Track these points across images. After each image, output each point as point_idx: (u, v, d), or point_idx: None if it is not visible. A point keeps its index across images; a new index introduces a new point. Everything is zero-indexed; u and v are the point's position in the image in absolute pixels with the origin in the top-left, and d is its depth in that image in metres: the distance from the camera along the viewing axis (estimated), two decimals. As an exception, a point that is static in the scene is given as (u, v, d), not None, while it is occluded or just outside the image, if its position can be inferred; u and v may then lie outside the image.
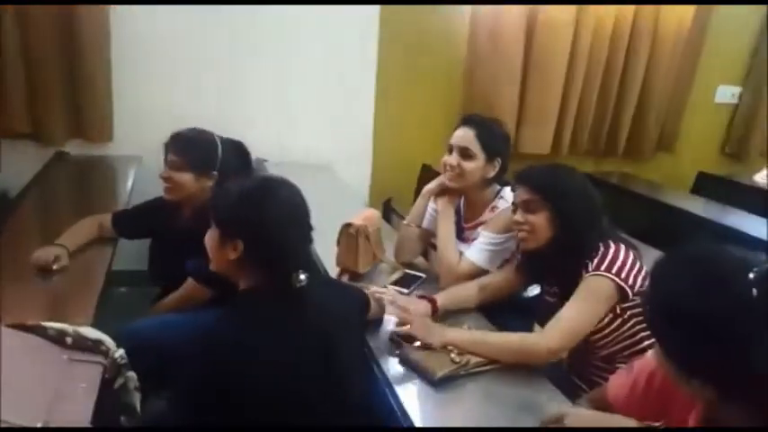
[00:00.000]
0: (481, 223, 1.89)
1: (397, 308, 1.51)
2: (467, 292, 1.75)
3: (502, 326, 1.67)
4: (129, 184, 2.66)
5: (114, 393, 1.34)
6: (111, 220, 1.97)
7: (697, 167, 4.14)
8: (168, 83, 3.05)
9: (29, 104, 2.85)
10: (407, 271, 1.90)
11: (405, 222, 2.03)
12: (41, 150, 2.94)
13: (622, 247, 1.51)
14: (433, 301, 1.63)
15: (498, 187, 1.93)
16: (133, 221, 1.99)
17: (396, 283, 1.80)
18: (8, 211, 2.25)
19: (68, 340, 1.34)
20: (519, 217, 1.59)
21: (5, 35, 2.71)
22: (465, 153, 1.84)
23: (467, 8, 3.48)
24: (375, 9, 3.29)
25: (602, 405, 1.27)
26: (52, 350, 1.30)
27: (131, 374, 1.38)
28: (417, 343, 1.44)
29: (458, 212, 2.00)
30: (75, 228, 1.91)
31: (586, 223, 1.52)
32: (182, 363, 1.19)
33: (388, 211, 3.11)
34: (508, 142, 1.95)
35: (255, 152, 3.17)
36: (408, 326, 1.48)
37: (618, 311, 1.48)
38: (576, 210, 1.53)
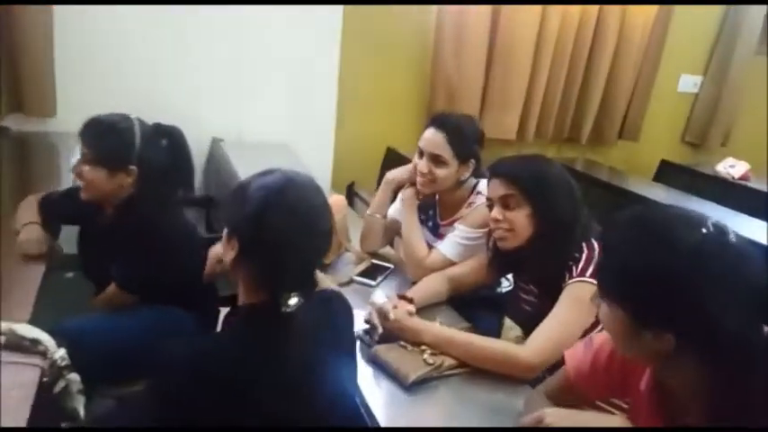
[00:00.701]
0: (458, 219, 1.80)
1: (378, 312, 1.42)
2: (436, 286, 1.67)
3: (471, 320, 1.61)
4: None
5: (54, 398, 1.22)
6: (39, 202, 1.77)
7: (660, 156, 4.18)
8: (119, 58, 2.84)
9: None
10: (374, 261, 1.82)
11: (368, 213, 1.92)
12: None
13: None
14: (410, 301, 1.51)
15: (474, 181, 1.84)
16: (59, 207, 1.77)
17: (362, 274, 1.71)
18: None
19: (2, 339, 1.21)
20: (496, 214, 1.46)
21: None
22: (436, 159, 1.74)
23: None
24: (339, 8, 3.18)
25: (563, 394, 1.18)
26: (-18, 351, 1.17)
27: (74, 377, 1.26)
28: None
29: (434, 209, 1.91)
30: (24, 208, 1.74)
31: (570, 220, 1.41)
32: (161, 370, 1.00)
33: (352, 196, 3.03)
34: (482, 139, 1.83)
35: (212, 131, 3.08)
36: (380, 330, 1.39)
37: None
38: (559, 205, 1.41)
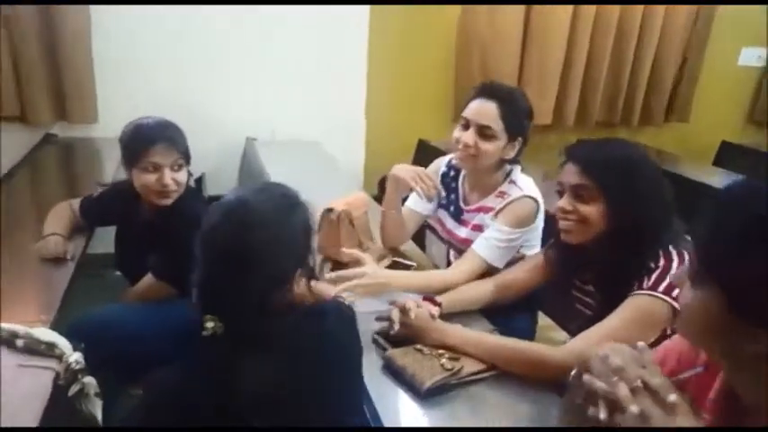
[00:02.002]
0: (484, 208, 1.68)
1: (400, 308, 1.34)
2: (479, 292, 1.53)
3: (500, 317, 1.51)
4: (115, 165, 2.56)
5: (69, 401, 1.23)
6: (79, 206, 1.84)
7: (720, 137, 3.89)
8: (154, 63, 2.94)
9: (16, 86, 2.76)
10: (396, 259, 1.74)
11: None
12: (31, 133, 2.87)
13: (687, 260, 1.15)
14: (437, 304, 1.43)
15: (509, 167, 1.68)
16: (98, 209, 1.84)
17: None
18: None
19: (19, 343, 1.23)
20: (566, 204, 1.29)
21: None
22: (484, 132, 1.56)
23: None
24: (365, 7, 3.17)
25: None
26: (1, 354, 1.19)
27: (89, 380, 1.26)
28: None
29: (454, 189, 1.79)
30: (54, 215, 1.81)
31: (653, 225, 1.22)
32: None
33: (384, 191, 2.96)
34: (531, 117, 1.65)
35: (245, 131, 3.11)
36: (397, 326, 1.32)
37: (667, 333, 1.19)
38: (643, 207, 1.22)
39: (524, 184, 1.65)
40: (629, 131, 3.86)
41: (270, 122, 3.15)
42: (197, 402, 0.95)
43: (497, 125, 1.57)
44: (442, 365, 1.23)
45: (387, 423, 1.13)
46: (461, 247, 1.72)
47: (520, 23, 3.35)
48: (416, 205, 1.83)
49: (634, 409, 0.77)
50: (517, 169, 1.68)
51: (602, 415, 0.79)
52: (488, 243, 1.61)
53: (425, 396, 1.18)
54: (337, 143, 3.17)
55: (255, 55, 3.08)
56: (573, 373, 0.88)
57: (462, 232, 1.74)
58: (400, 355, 1.27)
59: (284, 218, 1.00)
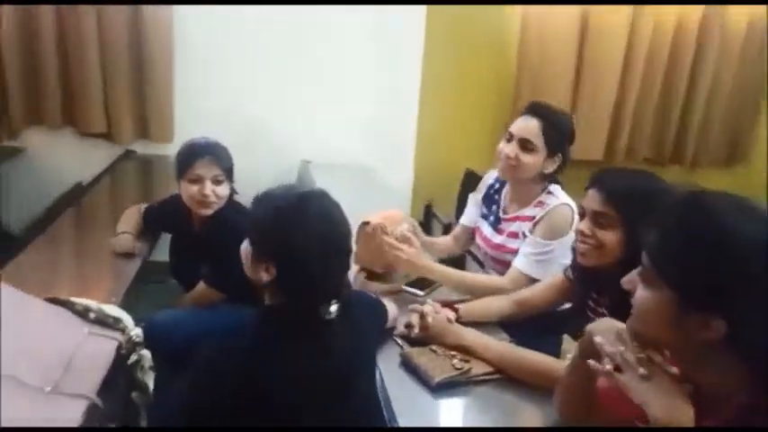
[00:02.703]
0: (522, 218, 1.81)
1: (418, 312, 1.48)
2: (499, 305, 1.64)
3: (526, 340, 1.54)
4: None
5: (127, 369, 1.42)
6: (142, 212, 2.06)
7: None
8: (224, 87, 3.20)
9: (104, 107, 3.10)
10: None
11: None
12: (113, 148, 3.19)
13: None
14: (455, 310, 1.55)
15: (549, 183, 1.81)
16: (156, 216, 2.05)
17: (412, 284, 1.78)
18: (79, 197, 2.56)
19: (91, 315, 1.44)
20: (585, 228, 1.35)
21: (86, 48, 2.97)
22: (525, 145, 1.73)
23: (518, 8, 3.38)
24: (422, 9, 3.26)
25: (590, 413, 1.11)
26: (75, 323, 1.40)
27: (146, 353, 1.45)
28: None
29: (497, 201, 1.93)
30: (126, 216, 2.05)
31: None
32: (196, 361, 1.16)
33: (429, 216, 3.09)
34: (573, 137, 1.80)
35: (300, 153, 3.33)
36: (417, 329, 1.46)
37: None
38: None
39: (562, 195, 1.78)
40: (683, 172, 3.79)
41: (323, 145, 3.32)
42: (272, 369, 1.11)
43: (538, 140, 1.73)
44: (452, 365, 1.35)
45: (397, 409, 1.25)
46: (494, 254, 1.87)
47: (573, 55, 3.40)
48: (468, 221, 2.00)
49: (642, 371, 0.89)
50: (557, 187, 1.80)
51: (608, 367, 0.92)
52: (527, 259, 1.73)
53: (435, 389, 1.30)
54: (386, 167, 3.30)
55: (314, 79, 3.26)
56: (584, 337, 1.00)
57: (497, 239, 1.87)
58: (416, 354, 1.40)
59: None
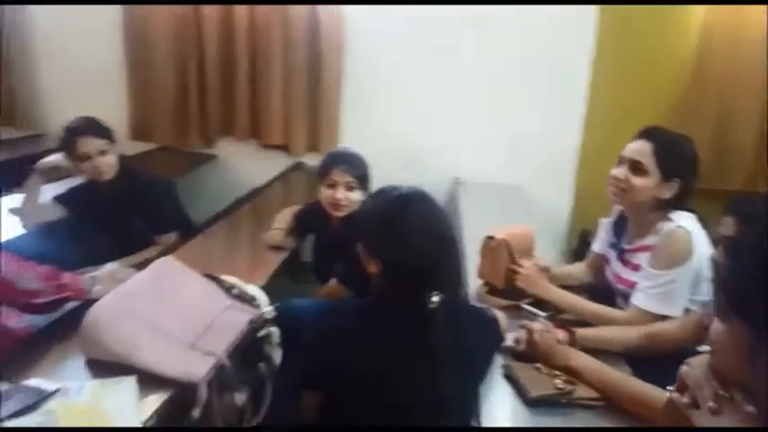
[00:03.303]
0: (645, 247, 1.69)
1: (527, 329, 1.47)
2: (624, 335, 1.54)
3: (664, 380, 1.48)
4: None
5: (257, 341, 1.59)
6: (294, 214, 2.28)
7: None
8: (387, 105, 3.44)
9: (283, 122, 3.52)
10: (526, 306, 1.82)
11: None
12: (287, 159, 3.61)
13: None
14: (570, 333, 1.51)
15: (670, 210, 1.67)
16: (303, 217, 2.26)
17: (533, 303, 1.74)
18: (253, 198, 2.97)
19: (234, 291, 1.64)
20: (720, 257, 1.34)
21: (272, 70, 3.41)
22: (636, 167, 1.65)
23: (699, 12, 3.04)
24: (591, 20, 3.10)
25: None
26: (220, 296, 1.62)
27: (274, 330, 1.60)
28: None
29: (619, 233, 1.83)
30: (281, 215, 2.31)
31: None
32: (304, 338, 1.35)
33: (583, 246, 2.95)
34: (695, 163, 1.67)
35: (451, 171, 3.40)
36: (523, 345, 1.44)
37: None
38: None
39: (681, 218, 1.63)
40: None
41: (476, 163, 3.34)
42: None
43: (649, 161, 1.62)
44: (554, 384, 1.31)
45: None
46: (621, 288, 1.75)
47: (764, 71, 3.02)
48: (598, 247, 1.94)
49: (712, 404, 0.86)
50: (682, 214, 1.65)
51: (685, 399, 0.92)
52: (644, 294, 1.61)
53: (530, 404, 1.28)
54: (542, 190, 3.19)
55: (470, 98, 3.32)
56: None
57: (624, 272, 1.77)
58: (518, 368, 1.38)
59: None
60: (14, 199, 2.27)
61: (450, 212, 3.12)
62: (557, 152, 3.30)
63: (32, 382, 1.20)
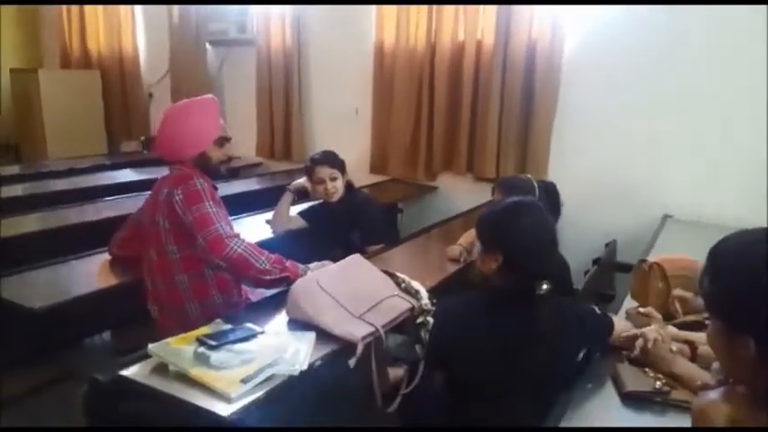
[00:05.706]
0: None
1: (642, 339, 1.53)
2: None
3: None
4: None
5: (416, 327, 1.95)
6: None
7: None
8: (598, 133, 3.56)
9: (496, 158, 3.89)
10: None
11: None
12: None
13: None
14: (693, 349, 1.52)
15: None
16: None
17: (680, 327, 1.73)
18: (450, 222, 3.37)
19: (402, 284, 2.04)
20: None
21: (489, 108, 3.81)
22: None
23: None
24: None
25: None
26: (391, 286, 2.02)
27: (430, 319, 1.96)
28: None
29: None
30: (467, 233, 2.65)
31: None
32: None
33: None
34: None
35: (668, 208, 3.29)
36: (637, 351, 1.51)
37: None
38: None
39: None
40: None
41: (692, 200, 3.24)
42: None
43: None
44: (652, 384, 1.38)
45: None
46: None
47: None
48: None
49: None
50: None
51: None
52: None
53: (624, 398, 1.38)
54: None
55: (688, 125, 3.26)
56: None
57: None
58: (624, 368, 1.48)
59: None
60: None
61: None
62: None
63: (249, 325, 1.76)
